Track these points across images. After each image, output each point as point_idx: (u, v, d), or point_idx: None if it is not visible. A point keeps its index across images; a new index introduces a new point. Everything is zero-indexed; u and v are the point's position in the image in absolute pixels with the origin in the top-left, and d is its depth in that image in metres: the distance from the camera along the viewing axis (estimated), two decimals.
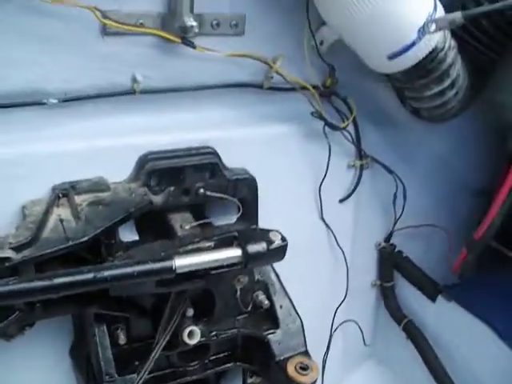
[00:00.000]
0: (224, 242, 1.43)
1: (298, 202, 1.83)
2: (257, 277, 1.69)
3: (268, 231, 1.44)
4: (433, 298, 2.00)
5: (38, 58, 1.44)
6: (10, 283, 1.20)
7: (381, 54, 1.62)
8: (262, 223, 1.71)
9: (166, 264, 1.30)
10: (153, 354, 1.43)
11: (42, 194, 1.47)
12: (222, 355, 1.74)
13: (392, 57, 1.61)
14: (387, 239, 2.08)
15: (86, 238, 1.34)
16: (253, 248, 1.40)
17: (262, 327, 1.69)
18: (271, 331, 1.68)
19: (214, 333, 1.62)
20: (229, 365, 1.75)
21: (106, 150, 1.53)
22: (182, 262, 1.32)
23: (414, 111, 1.86)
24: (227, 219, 1.72)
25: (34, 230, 1.34)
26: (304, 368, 1.60)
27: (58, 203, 1.45)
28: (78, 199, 1.45)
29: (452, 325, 1.95)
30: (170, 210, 1.62)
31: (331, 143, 1.79)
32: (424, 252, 2.13)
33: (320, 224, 1.90)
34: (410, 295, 2.10)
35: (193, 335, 1.52)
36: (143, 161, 1.56)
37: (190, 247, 1.39)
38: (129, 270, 1.28)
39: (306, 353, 1.70)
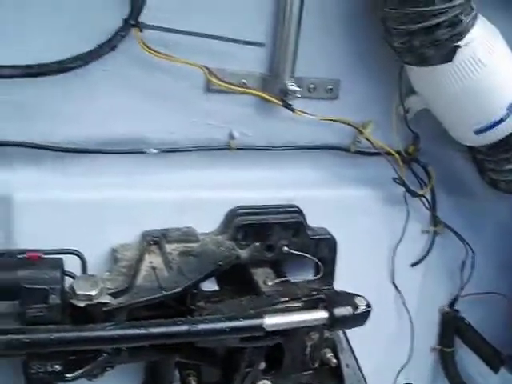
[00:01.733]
0: (311, 304, 1.34)
1: (372, 264, 1.73)
2: (326, 334, 1.58)
3: (353, 296, 1.34)
4: (495, 369, 1.84)
5: (143, 109, 1.39)
6: (107, 328, 1.13)
7: (468, 127, 1.54)
8: (337, 282, 1.61)
9: (257, 322, 1.21)
10: None
11: (132, 239, 1.41)
12: None
13: (479, 131, 1.53)
14: (451, 305, 1.94)
15: (179, 289, 1.26)
16: (339, 312, 1.29)
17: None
18: None
19: None
20: None
21: (198, 201, 1.47)
22: (271, 321, 1.22)
23: (492, 182, 1.75)
24: (303, 276, 1.62)
25: (128, 277, 1.27)
26: None
27: (149, 250, 1.38)
28: (168, 248, 1.38)
29: None
30: (252, 264, 1.53)
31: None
32: (486, 320, 1.96)
33: (390, 287, 1.79)
34: (470, 363, 1.95)
35: None
36: (233, 215, 1.48)
37: (279, 306, 1.31)
38: (221, 325, 1.19)
39: None
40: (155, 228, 1.42)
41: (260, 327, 1.21)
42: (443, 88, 1.46)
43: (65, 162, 1.37)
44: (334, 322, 1.28)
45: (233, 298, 1.49)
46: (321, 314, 1.29)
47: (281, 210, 1.54)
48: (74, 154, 1.36)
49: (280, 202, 1.54)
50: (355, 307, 1.30)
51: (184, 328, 1.16)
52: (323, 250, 1.58)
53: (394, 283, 1.77)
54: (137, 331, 1.13)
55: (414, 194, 1.67)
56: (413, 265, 1.80)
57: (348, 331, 1.59)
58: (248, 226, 1.47)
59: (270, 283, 1.47)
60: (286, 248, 1.52)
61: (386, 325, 1.81)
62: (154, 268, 1.32)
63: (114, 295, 1.20)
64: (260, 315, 1.22)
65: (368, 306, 1.32)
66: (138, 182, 1.43)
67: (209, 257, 1.38)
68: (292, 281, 1.55)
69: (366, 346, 1.61)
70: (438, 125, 1.61)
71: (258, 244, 1.48)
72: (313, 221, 1.58)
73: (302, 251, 1.54)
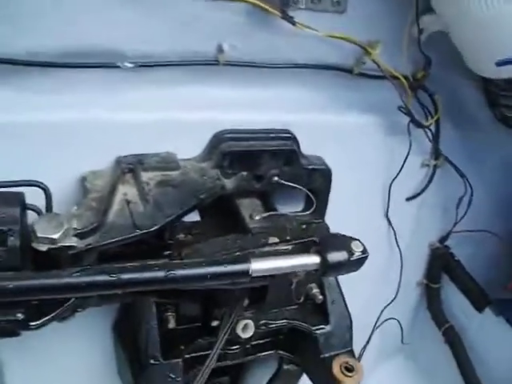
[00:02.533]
0: (302, 247, 1.16)
1: (366, 197, 1.56)
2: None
3: (350, 240, 1.16)
4: (480, 309, 1.75)
5: (117, 15, 1.12)
6: (73, 275, 0.93)
7: (489, 58, 1.31)
8: (329, 215, 1.44)
9: (243, 267, 1.03)
10: (213, 351, 1.18)
11: (105, 165, 1.19)
12: (264, 341, 1.49)
13: (501, 63, 1.31)
14: (442, 240, 1.82)
15: (155, 228, 1.07)
16: (333, 257, 1.11)
17: (312, 321, 1.44)
18: (320, 326, 1.42)
19: (262, 321, 1.36)
20: (270, 352, 1.50)
21: (179, 123, 1.24)
22: (258, 266, 1.05)
23: (503, 119, 1.57)
24: (292, 208, 1.45)
25: (99, 212, 1.06)
26: (349, 369, 1.35)
27: (123, 179, 1.16)
28: (144, 177, 1.17)
29: (495, 339, 1.72)
30: (239, 194, 1.33)
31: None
32: (476, 258, 1.85)
33: (383, 222, 1.64)
34: (455, 300, 1.84)
35: (247, 329, 1.28)
36: (218, 140, 1.27)
37: (266, 249, 1.13)
38: (202, 271, 1.01)
39: (351, 352, 1.45)
40: (131, 154, 1.20)
41: (246, 273, 1.03)
42: (470, 11, 1.22)
43: (24, 77, 1.11)
44: (327, 269, 1.11)
45: (216, 231, 1.32)
46: (312, 259, 1.11)
47: (272, 135, 1.33)
48: (35, 69, 1.10)
49: (272, 126, 1.33)
50: (350, 253, 1.13)
51: (160, 274, 0.97)
52: (317, 181, 1.39)
53: (387, 217, 1.62)
54: (106, 278, 0.94)
55: (418, 125, 1.47)
56: (408, 199, 1.64)
57: None
58: (235, 152, 1.26)
59: (257, 217, 1.28)
60: (276, 178, 1.31)
61: (376, 261, 1.66)
62: (128, 201, 1.11)
63: (82, 236, 1.00)
64: (246, 259, 1.04)
65: (364, 251, 1.15)
66: (112, 100, 1.19)
67: (190, 188, 1.18)
68: (280, 213, 1.39)
69: (353, 282, 1.47)
70: (453, 50, 1.37)
71: (245, 173, 1.28)
72: (307, 148, 1.37)
73: (293, 182, 1.34)
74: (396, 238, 1.65)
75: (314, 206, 1.36)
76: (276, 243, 1.14)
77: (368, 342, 1.71)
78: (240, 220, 1.30)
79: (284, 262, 1.09)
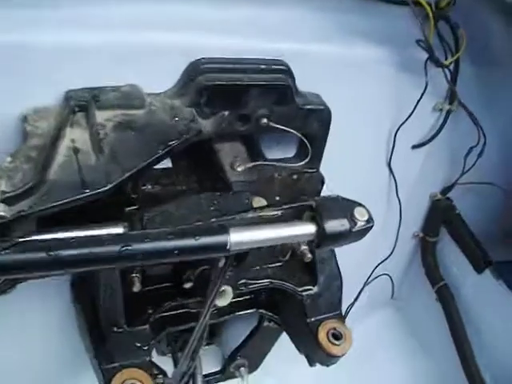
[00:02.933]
0: (294, 212, 0.93)
1: (368, 144, 1.31)
2: None
3: (353, 205, 0.93)
4: (479, 270, 1.57)
5: None
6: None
7: None
8: (323, 163, 1.20)
9: (219, 240, 0.80)
10: (198, 327, 0.97)
11: (51, 101, 0.90)
12: (243, 299, 1.30)
13: None
14: (445, 192, 1.60)
15: (110, 186, 0.81)
16: (331, 226, 0.89)
17: (298, 281, 1.24)
18: (307, 287, 1.22)
19: (242, 281, 1.16)
20: (250, 311, 1.32)
21: (146, 47, 0.95)
22: (238, 238, 0.82)
23: None
24: (283, 154, 1.21)
25: (37, 167, 0.80)
26: (337, 336, 1.17)
27: (72, 120, 0.89)
28: (100, 116, 0.90)
29: (491, 303, 1.55)
30: (219, 137, 1.08)
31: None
32: (478, 213, 1.64)
33: (385, 171, 1.40)
34: (452, 257, 1.65)
35: (224, 295, 1.08)
36: (195, 70, 0.98)
37: (249, 215, 0.89)
38: (168, 244, 0.78)
39: (340, 316, 1.27)
40: (84, 87, 0.92)
41: (223, 247, 0.81)
42: None
43: None
44: (323, 240, 0.89)
45: (190, 182, 1.09)
46: (306, 228, 0.89)
47: (263, 67, 1.04)
48: None
49: (263, 55, 1.05)
50: (353, 221, 0.91)
51: (113, 250, 0.74)
52: (313, 125, 1.13)
53: (389, 166, 1.39)
54: (41, 256, 0.71)
55: (437, 63, 1.20)
56: (415, 147, 1.40)
57: None
58: (215, 87, 0.98)
59: (239, 168, 1.04)
60: (265, 120, 1.05)
61: (374, 213, 1.47)
62: (76, 150, 0.85)
63: (11, 201, 0.75)
64: (223, 229, 0.81)
65: (369, 220, 0.92)
66: (58, 17, 0.89)
67: (157, 132, 0.91)
68: (268, 163, 1.14)
69: None
70: None
71: (227, 113, 1.01)
72: (303, 84, 1.10)
73: (285, 124, 1.08)
74: (397, 190, 1.43)
75: (310, 154, 1.13)
76: (262, 208, 0.91)
77: (356, 299, 1.55)
78: (219, 170, 1.06)
79: (270, 233, 0.86)
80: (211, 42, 0.99)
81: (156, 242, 0.77)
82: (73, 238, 0.75)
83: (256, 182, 1.03)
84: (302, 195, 1.20)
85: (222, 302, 1.08)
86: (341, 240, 0.92)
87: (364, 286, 1.54)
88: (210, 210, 0.89)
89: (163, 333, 1.21)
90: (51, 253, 0.71)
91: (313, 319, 1.19)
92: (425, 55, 1.19)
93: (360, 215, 0.91)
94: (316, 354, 1.20)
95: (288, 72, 1.06)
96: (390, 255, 1.54)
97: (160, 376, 1.47)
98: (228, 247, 0.81)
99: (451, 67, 1.27)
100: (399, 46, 1.18)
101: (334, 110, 1.12)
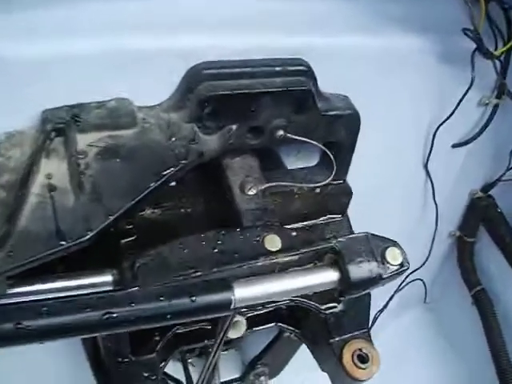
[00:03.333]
0: (313, 255, 0.76)
1: (403, 145, 1.12)
2: (328, 234, 1.06)
3: (385, 244, 0.75)
4: None
5: None
6: None
7: None
8: (351, 168, 1.02)
9: (222, 299, 0.65)
10: (207, 365, 0.86)
11: (26, 123, 0.74)
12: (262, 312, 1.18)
13: None
14: (486, 189, 1.40)
15: (89, 236, 0.66)
16: (357, 273, 0.73)
17: (320, 297, 1.09)
18: (331, 305, 1.08)
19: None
20: (269, 325, 1.18)
21: (136, 52, 0.77)
22: (245, 294, 0.66)
23: None
24: (302, 163, 1.03)
25: (3, 215, 0.66)
26: (363, 359, 1.02)
27: (48, 149, 0.72)
28: (81, 141, 0.74)
29: None
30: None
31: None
32: None
33: (421, 173, 1.21)
34: (491, 259, 1.46)
35: (237, 327, 0.93)
36: (194, 77, 0.80)
37: (260, 264, 0.72)
38: (159, 308, 0.64)
39: (368, 335, 1.13)
40: (63, 104, 0.76)
41: (225, 306, 0.65)
42: None
43: None
44: (347, 288, 0.74)
45: (194, 205, 0.93)
46: (327, 276, 0.72)
47: (278, 69, 0.85)
48: None
49: (277, 55, 0.86)
50: (384, 266, 0.74)
51: (93, 317, 0.60)
52: (339, 132, 0.94)
53: (426, 168, 1.19)
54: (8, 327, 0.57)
55: (486, 54, 0.98)
56: (455, 146, 1.20)
57: (357, 223, 1.07)
58: (220, 97, 0.80)
59: (251, 191, 0.87)
60: (281, 132, 0.87)
61: (407, 218, 1.30)
62: (52, 188, 0.69)
63: None
64: (226, 286, 0.65)
65: (403, 264, 0.75)
66: (29, 23, 0.71)
67: (150, 158, 0.75)
68: (285, 183, 0.96)
69: None
70: None
71: (235, 127, 0.83)
72: (327, 85, 0.91)
73: (306, 134, 0.90)
74: (434, 193, 1.24)
75: (334, 169, 0.95)
76: (274, 252, 0.74)
77: (386, 306, 1.40)
78: (228, 192, 0.89)
79: (283, 285, 0.70)
80: (213, 42, 0.80)
81: (144, 305, 0.63)
82: (44, 306, 0.62)
83: (269, 213, 0.85)
84: (326, 212, 1.05)
85: (234, 334, 0.95)
86: (369, 287, 0.76)
87: (395, 293, 1.39)
88: (213, 254, 0.73)
89: (175, 352, 1.10)
90: (19, 324, 0.58)
91: (337, 339, 1.04)
92: (472, 45, 0.97)
93: (393, 258, 0.75)
94: (339, 376, 1.06)
95: (309, 73, 0.87)
96: (424, 263, 1.37)
97: None
98: (232, 306, 0.67)
99: (501, 57, 1.04)
100: (443, 35, 0.97)
101: (365, 111, 0.93)
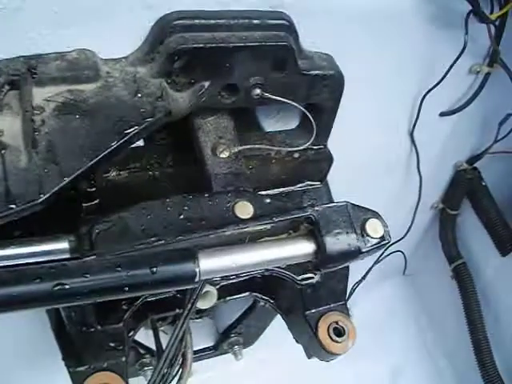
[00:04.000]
0: (288, 225, 0.70)
1: (388, 111, 1.06)
2: (306, 201, 1.01)
3: (365, 215, 0.71)
4: (504, 252, 1.35)
5: None
6: None
7: None
8: (333, 133, 0.96)
9: (184, 270, 0.60)
10: (172, 339, 0.80)
11: None
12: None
13: None
14: (471, 161, 1.35)
15: (41, 199, 0.60)
16: (334, 244, 0.68)
17: (297, 268, 1.05)
18: (308, 275, 1.03)
19: None
20: (243, 295, 1.14)
21: (97, 1, 0.69)
22: (210, 265, 0.62)
23: None
24: (281, 125, 0.97)
25: None
26: (339, 332, 0.98)
27: (1, 103, 0.65)
28: (37, 96, 0.67)
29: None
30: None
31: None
32: (508, 186, 1.38)
33: (406, 141, 1.15)
34: (473, 233, 1.43)
35: (207, 297, 0.89)
36: (164, 29, 0.73)
37: (227, 234, 0.66)
38: (115, 280, 0.58)
39: (344, 307, 1.09)
40: (18, 54, 0.69)
41: (189, 278, 0.61)
42: None
43: None
44: (323, 262, 0.69)
45: (163, 166, 0.86)
46: (301, 248, 0.68)
47: (256, 22, 0.78)
48: None
49: (256, 6, 0.79)
50: (363, 239, 0.69)
51: (43, 288, 0.55)
52: (321, 94, 0.87)
53: (412, 136, 1.14)
54: None
55: (481, 18, 0.91)
56: (443, 114, 1.14)
57: (339, 191, 1.00)
58: (192, 51, 0.73)
59: (223, 154, 0.81)
60: (258, 91, 0.80)
61: (390, 188, 1.24)
62: (3, 147, 0.62)
63: None
64: (190, 255, 0.61)
65: (383, 237, 0.70)
66: None
67: (112, 115, 0.68)
68: (261, 146, 0.90)
69: None
70: None
71: (208, 83, 0.76)
72: (310, 42, 0.85)
73: (285, 94, 0.83)
74: (418, 163, 1.19)
75: (314, 133, 0.88)
76: (246, 220, 0.68)
77: (364, 278, 1.37)
78: (198, 154, 0.83)
79: (253, 256, 0.65)
80: None
81: (99, 276, 0.58)
82: None
83: (242, 177, 0.80)
84: (304, 178, 0.99)
85: (204, 305, 0.91)
86: (346, 261, 0.72)
87: (374, 265, 1.36)
88: (178, 220, 0.68)
89: (144, 321, 1.06)
90: None
91: (313, 311, 1.01)
92: (466, 6, 0.90)
93: (373, 230, 0.70)
94: (314, 349, 1.03)
95: (290, 28, 0.80)
96: (405, 234, 1.33)
97: (147, 356, 1.36)
98: (197, 279, 0.62)
99: (496, 22, 0.98)
100: None
101: (349, 73, 0.86)
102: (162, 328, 1.31)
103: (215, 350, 1.44)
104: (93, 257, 0.63)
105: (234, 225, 0.66)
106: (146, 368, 1.33)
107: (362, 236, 0.70)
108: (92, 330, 0.86)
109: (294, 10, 0.81)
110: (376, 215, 0.71)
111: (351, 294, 1.39)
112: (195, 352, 1.31)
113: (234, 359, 1.45)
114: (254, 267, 0.66)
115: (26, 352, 1.15)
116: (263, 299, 1.16)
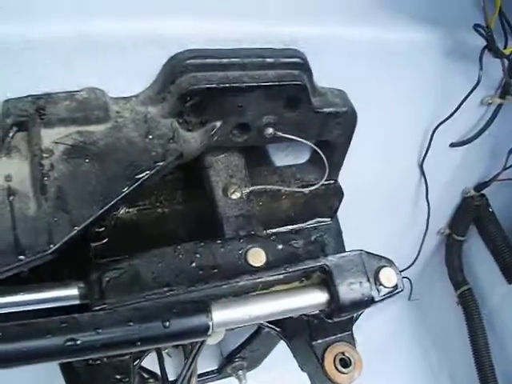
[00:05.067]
0: (301, 274, 0.69)
1: (399, 144, 1.04)
2: (314, 236, 1.00)
3: (379, 264, 0.69)
4: (510, 279, 1.32)
5: None
6: None
7: None
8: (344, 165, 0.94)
9: (197, 323, 0.59)
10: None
11: None
12: None
13: None
14: (479, 188, 1.33)
15: (51, 250, 0.58)
16: (348, 294, 0.67)
17: None
18: None
19: None
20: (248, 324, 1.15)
21: (108, 38, 0.67)
22: (223, 318, 0.60)
23: None
24: (292, 159, 0.95)
25: None
26: (345, 363, 0.97)
27: (9, 146, 0.64)
28: (46, 138, 0.65)
29: None
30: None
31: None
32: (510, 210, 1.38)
33: (415, 171, 1.14)
34: (479, 260, 1.41)
35: (215, 335, 0.88)
36: (176, 67, 0.71)
37: (240, 284, 0.65)
38: (128, 334, 0.57)
39: (351, 337, 1.08)
40: (25, 94, 0.67)
41: (202, 331, 0.59)
42: None
43: None
44: (336, 311, 0.68)
45: (173, 204, 0.85)
46: (314, 297, 0.66)
47: (269, 60, 0.76)
48: None
49: (269, 44, 0.77)
50: (376, 288, 0.68)
51: (56, 342, 0.54)
52: (333, 131, 0.86)
53: (421, 167, 1.12)
54: None
55: (497, 53, 0.90)
56: (453, 145, 1.12)
57: (346, 221, 0.98)
58: (204, 91, 0.71)
59: (234, 195, 0.79)
60: (270, 130, 0.79)
61: (397, 217, 1.23)
62: (11, 193, 0.61)
63: None
64: (203, 308, 0.59)
65: (396, 286, 0.69)
66: None
67: (122, 159, 0.66)
68: (271, 187, 0.88)
69: (365, 242, 1.06)
70: None
71: (219, 123, 0.75)
72: (323, 79, 0.83)
73: (297, 133, 0.82)
74: (427, 193, 1.17)
75: (327, 170, 0.87)
76: (259, 268, 0.68)
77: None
78: (209, 194, 0.81)
79: (266, 307, 0.64)
80: (197, 28, 0.71)
81: (110, 330, 0.57)
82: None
83: (255, 216, 0.79)
84: (314, 215, 0.97)
85: (213, 341, 0.90)
86: (359, 310, 0.70)
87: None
88: (190, 269, 0.66)
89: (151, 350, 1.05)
90: None
91: (319, 341, 1.00)
92: (481, 41, 0.89)
93: (387, 279, 0.68)
94: (320, 378, 1.01)
95: (304, 66, 0.78)
96: (413, 263, 1.32)
97: (151, 380, 1.35)
98: (209, 332, 0.61)
99: (511, 56, 0.94)
100: (451, 30, 0.88)
101: (361, 106, 0.85)
102: (166, 351, 1.31)
103: (219, 373, 1.42)
104: (103, 306, 0.62)
105: (247, 275, 0.65)
106: None
107: (375, 285, 0.68)
108: (98, 362, 0.85)
109: (306, 46, 0.79)
110: (390, 263, 0.70)
111: (356, 319, 1.38)
112: (199, 375, 1.30)
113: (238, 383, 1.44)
114: (266, 318, 0.64)
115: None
116: (268, 327, 1.15)
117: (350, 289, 0.67)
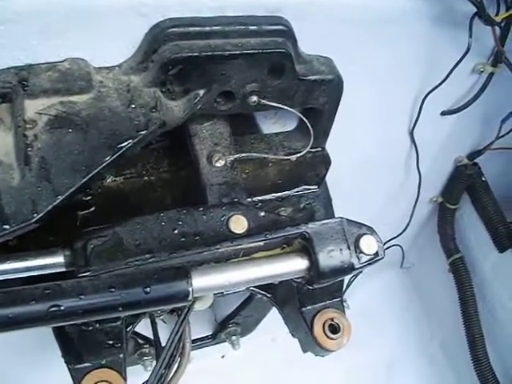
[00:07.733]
0: (281, 241, 0.71)
1: (389, 110, 1.05)
2: (302, 204, 1.02)
3: (360, 231, 0.71)
4: (502, 248, 1.35)
5: None
6: None
7: None
8: (332, 134, 0.95)
9: (178, 289, 0.61)
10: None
11: None
12: None
13: None
14: (472, 156, 1.34)
15: (35, 219, 0.61)
16: (327, 260, 0.69)
17: None
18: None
19: None
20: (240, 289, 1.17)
21: (91, 7, 0.67)
22: (203, 283, 0.63)
23: None
24: (279, 126, 0.97)
25: None
26: (334, 329, 1.01)
27: None
28: (29, 108, 0.66)
29: (509, 285, 1.35)
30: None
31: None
32: (507, 182, 1.40)
33: (405, 140, 1.15)
34: (471, 228, 1.43)
35: (203, 299, 0.91)
36: (158, 36, 0.72)
37: (220, 250, 0.67)
38: (110, 300, 0.60)
39: (340, 304, 1.11)
40: (9, 65, 0.67)
41: (182, 297, 0.62)
42: None
43: None
44: (316, 277, 0.70)
45: (158, 171, 0.87)
46: (294, 264, 0.68)
47: (253, 28, 0.76)
48: None
49: (253, 12, 0.77)
50: (357, 255, 0.70)
51: (40, 308, 0.57)
52: (319, 99, 0.86)
53: (412, 135, 1.13)
54: None
55: (486, 20, 0.89)
56: (444, 113, 1.12)
57: (336, 189, 1.01)
58: (187, 59, 0.72)
59: (218, 163, 0.80)
60: (254, 98, 0.79)
61: (389, 185, 1.24)
62: None
63: None
64: (184, 274, 0.62)
65: (377, 253, 0.71)
66: None
67: (105, 129, 0.67)
68: (257, 155, 0.89)
69: (357, 209, 1.07)
70: None
71: (203, 91, 0.75)
72: (308, 46, 0.83)
73: (282, 100, 0.82)
74: (418, 161, 1.19)
75: (312, 138, 0.88)
76: (240, 235, 0.69)
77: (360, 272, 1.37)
78: (194, 161, 0.83)
79: (246, 274, 0.66)
80: None
81: (93, 296, 0.59)
82: None
83: (239, 182, 0.80)
84: (301, 182, 0.99)
85: (200, 307, 0.92)
86: (339, 277, 0.72)
87: None
88: (172, 236, 0.68)
89: (143, 315, 1.08)
90: None
91: (309, 307, 1.03)
92: (471, 8, 0.87)
93: (367, 247, 0.70)
94: (309, 344, 1.05)
95: (288, 34, 0.78)
96: (404, 230, 1.34)
97: (146, 346, 1.39)
98: (190, 297, 0.63)
99: (502, 23, 0.95)
100: None
101: (349, 74, 0.85)
102: (161, 317, 1.35)
103: (213, 339, 1.47)
104: (88, 273, 0.64)
105: (227, 241, 0.67)
106: (145, 358, 1.36)
107: (356, 252, 0.70)
108: (90, 328, 0.88)
109: (290, 13, 0.79)
110: (370, 230, 0.71)
111: (348, 286, 1.41)
112: (193, 341, 1.34)
113: (232, 348, 1.48)
114: (246, 284, 0.67)
115: (25, 348, 1.17)
116: (260, 293, 1.18)
117: (329, 256, 0.69)
